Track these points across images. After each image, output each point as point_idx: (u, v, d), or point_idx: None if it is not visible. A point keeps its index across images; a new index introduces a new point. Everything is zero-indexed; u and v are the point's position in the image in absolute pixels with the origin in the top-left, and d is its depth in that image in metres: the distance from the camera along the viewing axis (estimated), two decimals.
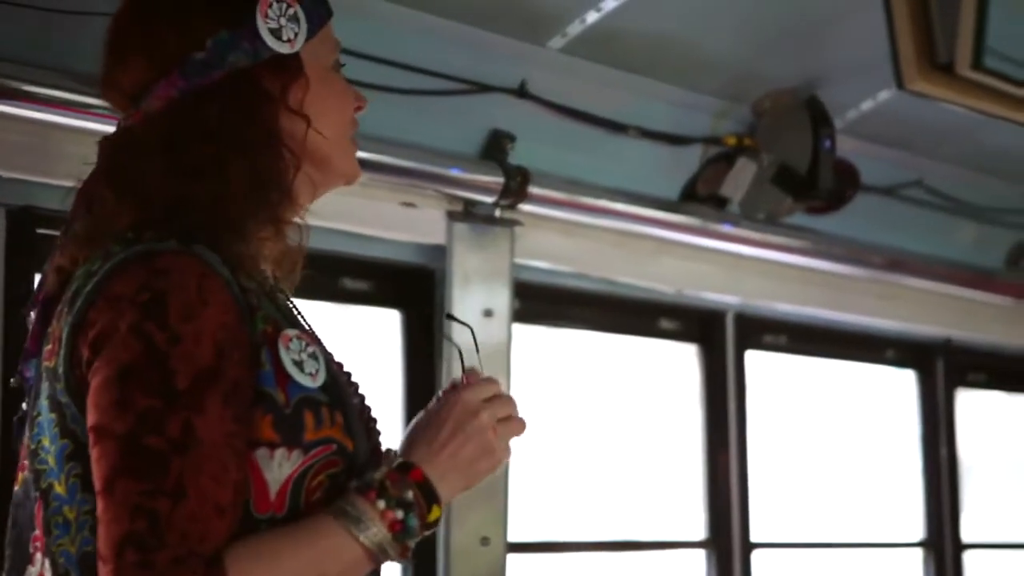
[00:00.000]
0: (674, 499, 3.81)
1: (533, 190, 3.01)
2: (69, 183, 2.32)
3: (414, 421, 1.55)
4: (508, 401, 1.56)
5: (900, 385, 4.52)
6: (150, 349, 1.35)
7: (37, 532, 1.44)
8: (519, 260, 3.09)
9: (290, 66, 1.54)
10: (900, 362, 4.49)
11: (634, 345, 3.70)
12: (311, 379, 1.45)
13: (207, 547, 1.32)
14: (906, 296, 4.16)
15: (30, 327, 1.54)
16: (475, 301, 3.00)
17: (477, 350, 1.62)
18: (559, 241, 3.24)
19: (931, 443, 4.52)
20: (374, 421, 1.56)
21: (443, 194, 2.96)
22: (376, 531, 1.42)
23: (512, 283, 3.06)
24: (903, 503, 4.50)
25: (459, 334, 1.72)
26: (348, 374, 1.56)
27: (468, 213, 3.00)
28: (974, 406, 4.73)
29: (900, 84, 2.21)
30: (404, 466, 1.47)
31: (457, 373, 1.58)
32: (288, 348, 1.44)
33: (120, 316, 1.37)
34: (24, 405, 1.54)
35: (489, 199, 2.98)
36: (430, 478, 1.46)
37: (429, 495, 1.46)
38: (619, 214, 3.26)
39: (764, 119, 3.43)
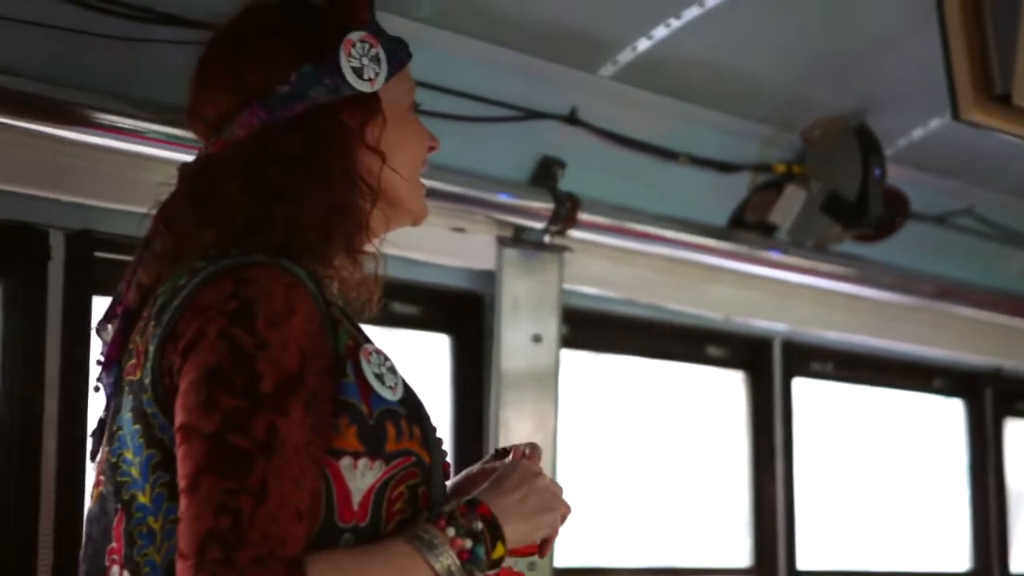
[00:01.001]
0: (720, 525, 3.80)
1: (582, 216, 3.02)
2: (127, 207, 2.38)
3: (469, 471, 1.62)
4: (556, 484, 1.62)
5: (948, 414, 4.49)
6: (237, 352, 1.38)
7: (114, 545, 1.46)
8: (568, 286, 3.10)
9: (369, 104, 1.58)
10: (948, 391, 4.46)
11: (682, 372, 3.70)
12: (391, 392, 1.48)
13: (288, 550, 1.34)
14: (955, 325, 4.14)
15: (110, 336, 1.57)
16: (524, 326, 3.02)
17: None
18: (608, 267, 3.25)
19: (979, 472, 4.49)
20: (440, 439, 1.59)
21: (493, 219, 2.98)
22: (447, 557, 1.44)
23: (561, 309, 3.07)
24: (950, 532, 4.47)
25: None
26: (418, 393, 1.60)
27: (518, 239, 3.02)
28: (1022, 435, 4.69)
29: (956, 115, 2.21)
30: (472, 502, 1.50)
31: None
32: (370, 361, 1.48)
33: (209, 323, 1.41)
34: (102, 415, 1.57)
35: (539, 225, 3.00)
36: (496, 515, 1.49)
37: (495, 530, 1.49)
38: (668, 241, 3.27)
39: (813, 146, 3.43)
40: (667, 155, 3.23)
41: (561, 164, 3.02)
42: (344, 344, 1.46)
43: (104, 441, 1.52)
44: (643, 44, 2.93)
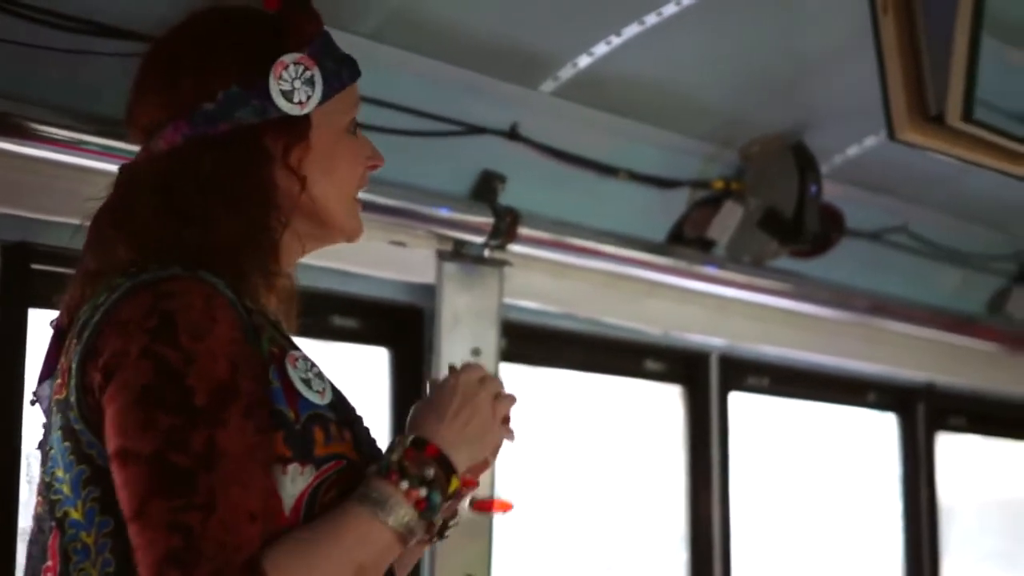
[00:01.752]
0: (657, 539, 3.82)
1: (522, 231, 3.03)
2: (65, 219, 2.36)
3: (416, 406, 1.58)
4: (497, 379, 1.62)
5: (882, 428, 4.54)
6: (164, 369, 1.37)
7: (50, 563, 1.45)
8: (507, 300, 3.11)
9: (296, 127, 1.57)
10: (882, 405, 4.52)
11: (620, 386, 3.71)
12: (319, 396, 1.48)
13: (243, 554, 1.34)
14: (889, 340, 4.19)
15: (45, 351, 1.57)
16: (463, 340, 3.02)
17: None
18: (547, 282, 3.27)
19: (912, 486, 4.55)
20: (375, 441, 1.58)
21: (433, 234, 2.98)
22: (403, 512, 1.44)
23: (500, 323, 3.08)
24: (883, 546, 4.52)
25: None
26: (351, 401, 1.59)
27: (458, 253, 3.03)
28: (954, 450, 4.76)
29: (891, 135, 2.24)
30: (418, 442, 1.49)
31: None
32: (296, 367, 1.48)
33: (130, 340, 1.40)
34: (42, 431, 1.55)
35: (479, 239, 3.01)
36: (444, 451, 1.49)
37: (447, 468, 1.48)
38: (607, 256, 3.29)
39: (751, 163, 3.47)
40: (607, 171, 3.25)
41: (501, 179, 3.03)
42: (268, 350, 1.46)
43: (41, 462, 1.52)
44: (584, 61, 2.94)
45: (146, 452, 1.36)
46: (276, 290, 1.59)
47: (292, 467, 1.43)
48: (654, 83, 3.12)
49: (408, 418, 1.56)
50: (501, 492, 2.85)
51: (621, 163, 3.27)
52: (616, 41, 2.89)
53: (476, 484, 1.62)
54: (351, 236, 1.66)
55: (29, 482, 2.28)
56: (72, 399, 1.44)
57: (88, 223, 1.58)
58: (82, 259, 1.57)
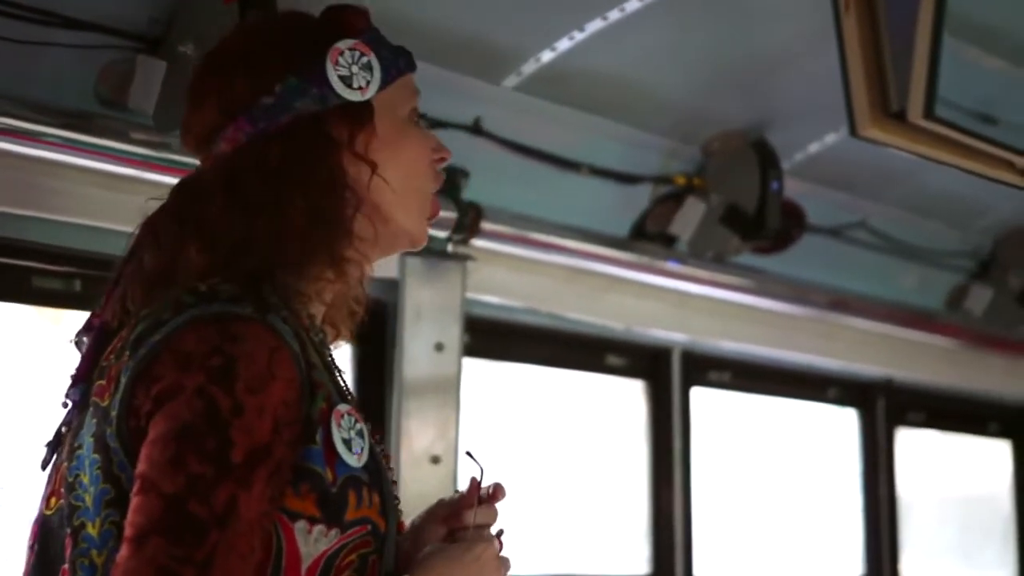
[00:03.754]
0: (618, 533, 3.83)
1: (485, 226, 3.04)
2: (22, 211, 2.35)
3: (432, 546, 1.57)
4: (508, 562, 1.61)
5: (842, 423, 4.57)
6: (213, 414, 1.35)
7: (66, 567, 1.43)
8: (470, 295, 3.12)
9: (359, 113, 1.54)
10: (842, 400, 4.55)
11: (582, 380, 3.72)
12: (356, 459, 1.45)
13: None
14: (848, 336, 4.22)
15: (82, 351, 1.53)
16: (426, 335, 3.02)
17: (480, 482, 1.65)
18: (510, 276, 3.27)
19: (871, 480, 4.58)
20: (397, 498, 1.56)
21: None
22: None
23: (463, 317, 3.08)
24: (843, 539, 4.55)
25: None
26: (379, 443, 1.56)
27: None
28: (913, 445, 4.79)
29: (853, 131, 2.26)
30: None
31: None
32: (340, 426, 1.45)
33: (188, 375, 1.37)
34: (62, 428, 1.52)
35: (442, 234, 3.01)
36: None
37: None
38: (569, 251, 3.30)
39: (713, 159, 3.48)
40: (570, 166, 3.26)
41: (465, 174, 3.03)
42: (319, 409, 1.43)
43: (64, 455, 1.48)
44: (547, 56, 2.95)
45: (168, 490, 1.33)
46: (341, 284, 1.56)
47: (318, 528, 1.41)
48: (617, 78, 3.13)
49: (423, 551, 1.55)
50: None
51: (584, 158, 3.28)
52: (579, 36, 2.90)
53: None
54: (414, 240, 1.62)
55: None
56: (113, 414, 1.41)
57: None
58: (131, 259, 1.53)
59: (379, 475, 1.49)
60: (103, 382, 1.45)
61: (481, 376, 3.35)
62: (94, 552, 1.40)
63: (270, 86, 1.51)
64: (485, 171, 3.05)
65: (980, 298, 4.44)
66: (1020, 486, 5.19)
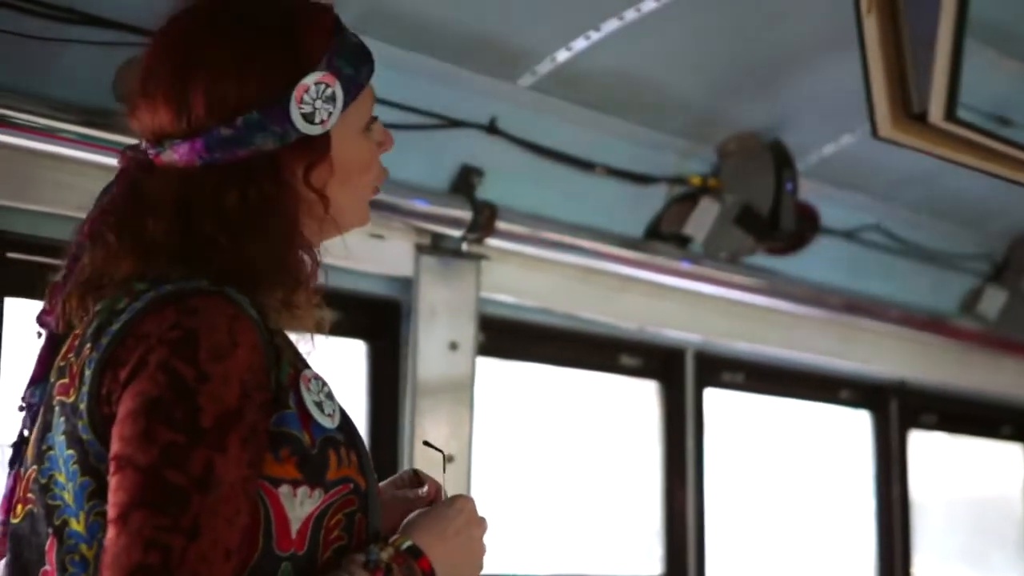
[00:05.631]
0: (632, 533, 3.83)
1: (500, 225, 3.04)
2: (41, 208, 2.35)
3: (418, 512, 1.56)
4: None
5: (855, 425, 4.57)
6: (178, 384, 1.35)
7: (48, 568, 1.43)
8: (484, 294, 3.12)
9: (317, 146, 1.52)
10: (855, 402, 4.54)
11: (595, 380, 3.72)
12: (330, 420, 1.46)
13: None
14: (862, 338, 4.22)
15: (37, 354, 1.53)
16: (440, 334, 3.03)
17: (444, 470, 1.66)
18: (524, 276, 3.27)
19: (884, 482, 4.58)
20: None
21: (411, 227, 2.98)
22: None
23: (478, 316, 3.09)
24: (856, 541, 4.54)
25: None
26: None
27: (436, 246, 3.03)
28: (925, 447, 4.79)
29: (874, 133, 2.25)
30: (413, 551, 1.48)
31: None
32: (309, 389, 1.46)
33: (150, 351, 1.37)
34: (23, 432, 1.52)
35: (457, 233, 3.01)
36: (436, 568, 1.48)
37: None
38: (584, 250, 3.30)
39: (728, 160, 3.48)
40: (585, 166, 3.26)
41: (479, 173, 3.03)
42: (287, 374, 1.44)
43: (32, 459, 1.47)
44: (563, 55, 2.95)
45: (143, 463, 1.34)
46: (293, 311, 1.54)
47: (301, 490, 1.42)
48: (632, 78, 3.13)
49: (406, 519, 1.55)
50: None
51: (599, 158, 3.28)
52: (595, 36, 2.90)
53: None
54: (360, 225, 1.62)
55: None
56: (82, 407, 1.41)
57: (87, 215, 1.55)
58: (73, 258, 1.53)
59: (353, 435, 1.50)
60: (65, 380, 1.45)
61: (495, 375, 3.35)
62: (83, 547, 1.40)
63: (232, 118, 1.48)
64: (500, 170, 3.06)
65: (994, 301, 4.43)
66: None
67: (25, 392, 1.53)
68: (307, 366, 1.50)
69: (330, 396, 1.49)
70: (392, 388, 3.05)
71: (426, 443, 1.73)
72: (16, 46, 2.21)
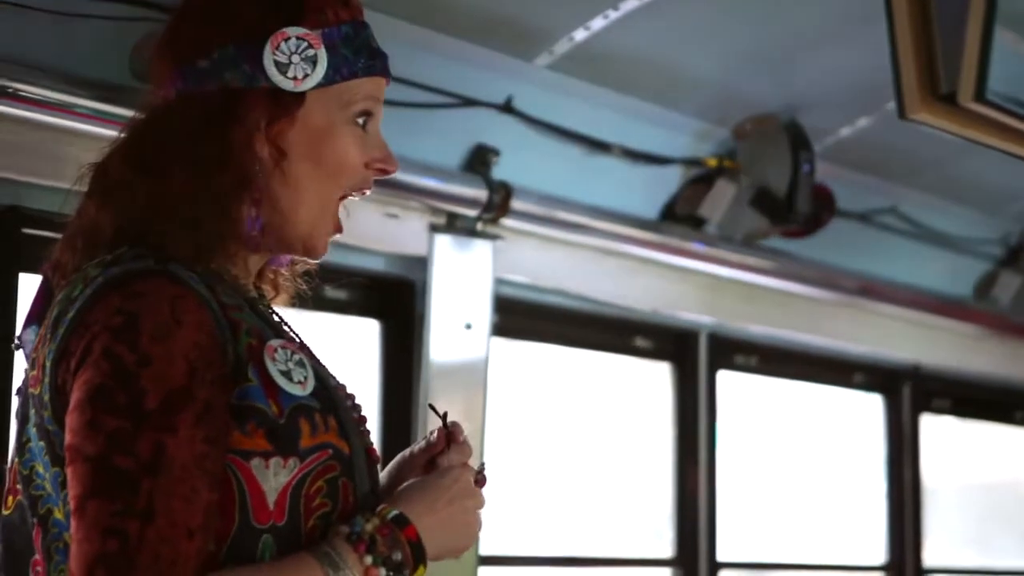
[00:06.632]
0: (643, 516, 3.83)
1: (515, 205, 3.03)
2: (56, 183, 2.34)
3: (409, 483, 1.55)
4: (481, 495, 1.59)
5: (868, 409, 4.56)
6: (119, 370, 1.34)
7: (38, 557, 1.43)
8: (499, 274, 3.11)
9: (283, 101, 1.51)
10: (868, 386, 4.53)
11: (609, 362, 3.71)
12: (300, 387, 1.44)
13: (177, 571, 1.31)
14: (876, 321, 4.20)
15: (34, 297, 1.55)
16: (455, 314, 3.01)
17: (445, 426, 1.63)
18: (539, 256, 3.26)
19: (896, 467, 4.57)
20: (365, 421, 1.55)
21: (426, 206, 2.97)
22: None
23: (493, 297, 3.08)
24: (867, 525, 4.54)
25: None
26: (336, 378, 1.55)
27: (450, 226, 3.02)
28: (938, 432, 4.78)
29: (902, 114, 2.22)
30: (400, 520, 1.45)
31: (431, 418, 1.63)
32: (275, 359, 1.44)
33: (94, 339, 1.37)
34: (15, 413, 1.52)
35: (472, 212, 3.00)
36: (423, 538, 1.45)
37: (419, 555, 1.44)
38: (599, 231, 3.29)
39: (745, 142, 3.46)
40: (600, 146, 3.24)
41: (495, 152, 3.02)
42: (245, 346, 1.42)
43: (15, 450, 1.48)
44: (580, 34, 2.93)
45: (91, 452, 1.33)
46: (239, 270, 1.54)
47: (274, 461, 1.40)
48: (650, 58, 3.11)
49: (396, 489, 1.54)
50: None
51: (615, 139, 3.26)
52: (613, 15, 2.88)
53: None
54: (308, 248, 1.57)
55: None
56: (46, 398, 1.41)
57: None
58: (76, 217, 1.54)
59: (331, 400, 1.48)
60: (35, 372, 1.45)
61: (508, 356, 3.34)
62: (66, 534, 1.40)
63: (210, 48, 1.49)
64: (516, 150, 3.04)
65: (1009, 286, 4.42)
66: None
67: (22, 332, 1.54)
68: (274, 336, 1.48)
69: (300, 364, 1.46)
70: (406, 368, 3.04)
71: (431, 407, 1.71)
72: (30, 20, 2.19)
